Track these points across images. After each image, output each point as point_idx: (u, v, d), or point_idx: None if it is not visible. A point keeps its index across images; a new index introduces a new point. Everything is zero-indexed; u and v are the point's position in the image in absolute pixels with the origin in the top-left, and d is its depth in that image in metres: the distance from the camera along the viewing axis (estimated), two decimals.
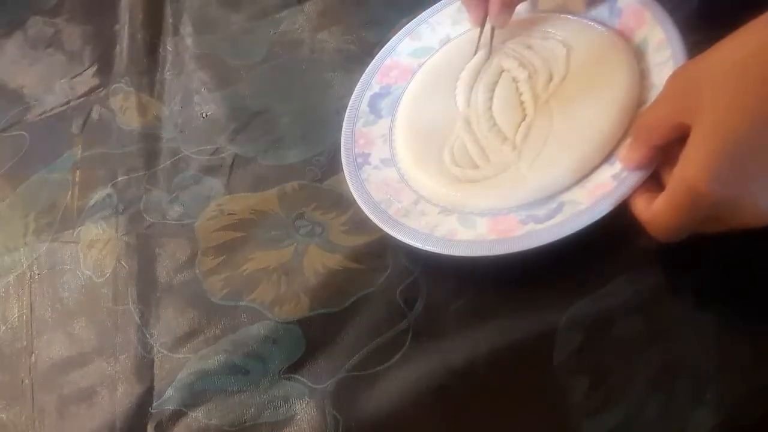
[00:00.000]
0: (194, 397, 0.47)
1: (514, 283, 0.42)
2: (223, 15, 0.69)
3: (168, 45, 0.69)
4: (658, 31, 0.46)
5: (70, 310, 0.55)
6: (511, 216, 0.44)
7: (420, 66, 0.55)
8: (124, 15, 0.72)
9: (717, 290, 0.39)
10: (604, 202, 0.40)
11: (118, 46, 0.70)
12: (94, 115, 0.67)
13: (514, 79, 0.50)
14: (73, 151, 0.64)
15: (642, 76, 0.46)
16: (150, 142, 0.62)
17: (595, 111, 0.45)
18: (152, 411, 0.48)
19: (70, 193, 0.62)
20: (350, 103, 0.55)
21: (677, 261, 0.37)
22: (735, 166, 0.33)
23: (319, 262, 0.50)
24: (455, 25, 0.56)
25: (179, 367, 0.49)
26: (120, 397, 0.49)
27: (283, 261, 0.51)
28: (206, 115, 0.62)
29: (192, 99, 0.64)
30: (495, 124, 0.49)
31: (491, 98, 0.50)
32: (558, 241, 0.41)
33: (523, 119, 0.48)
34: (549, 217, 0.43)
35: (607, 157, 0.44)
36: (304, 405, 0.45)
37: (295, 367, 0.46)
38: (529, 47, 0.51)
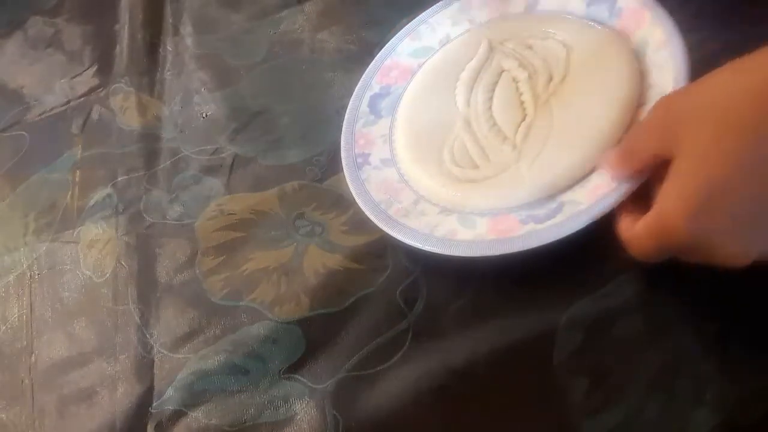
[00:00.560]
0: (194, 397, 0.47)
1: (514, 283, 0.42)
2: (223, 15, 0.69)
3: (168, 45, 0.69)
4: (658, 31, 0.46)
5: (70, 310, 0.55)
6: (511, 216, 0.44)
7: (420, 66, 0.55)
8: (124, 15, 0.72)
9: (717, 290, 0.39)
10: (604, 202, 0.40)
11: (118, 46, 0.70)
12: (94, 115, 0.67)
13: (514, 79, 0.50)
14: (73, 151, 0.64)
15: (642, 76, 0.46)
16: (150, 142, 0.62)
17: (596, 111, 0.45)
18: (152, 411, 0.48)
19: (70, 193, 0.62)
20: (350, 103, 0.55)
21: (677, 261, 0.37)
22: (709, 209, 0.33)
23: (319, 262, 0.50)
24: (455, 25, 0.56)
25: (179, 367, 0.49)
26: (120, 397, 0.49)
27: (283, 261, 0.51)
28: (206, 115, 0.62)
29: (192, 99, 0.64)
30: (495, 124, 0.49)
31: (491, 98, 0.50)
32: (558, 241, 0.41)
33: (523, 119, 0.48)
34: (549, 217, 0.43)
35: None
36: (304, 405, 0.45)
37: (295, 367, 0.46)
38: (529, 47, 0.51)
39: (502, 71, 0.51)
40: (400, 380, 0.43)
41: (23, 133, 0.68)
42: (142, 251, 0.55)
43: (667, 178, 0.35)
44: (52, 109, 0.69)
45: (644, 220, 0.36)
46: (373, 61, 0.56)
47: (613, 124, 0.44)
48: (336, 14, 0.64)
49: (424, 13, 0.57)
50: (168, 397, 0.48)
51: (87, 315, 0.54)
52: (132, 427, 0.48)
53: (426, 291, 0.46)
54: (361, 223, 0.49)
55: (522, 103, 0.48)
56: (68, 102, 0.69)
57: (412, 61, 0.56)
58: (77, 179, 0.62)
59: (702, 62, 0.43)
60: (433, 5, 0.57)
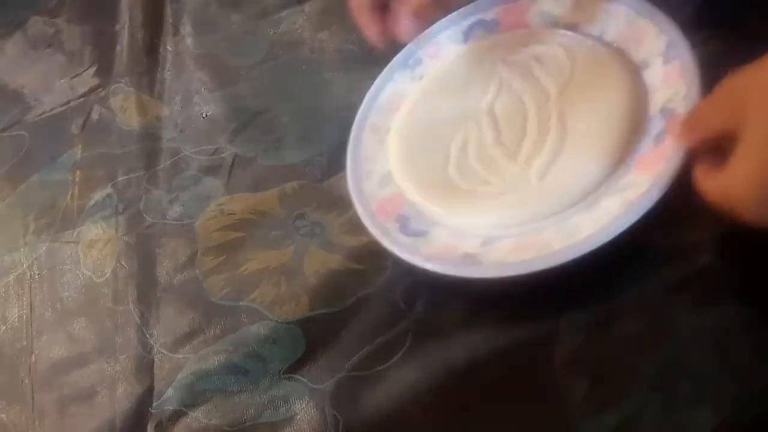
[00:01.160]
0: (194, 397, 0.47)
1: (514, 283, 0.42)
2: (223, 15, 0.69)
3: (168, 45, 0.69)
4: (661, 35, 0.46)
5: (70, 310, 0.55)
6: (518, 235, 0.44)
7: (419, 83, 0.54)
8: (124, 15, 0.72)
9: (717, 290, 0.39)
10: (609, 230, 0.40)
11: (118, 46, 0.70)
12: (94, 115, 0.67)
13: (519, 94, 0.50)
14: (73, 151, 0.65)
15: (645, 81, 0.46)
16: (150, 142, 0.62)
17: (602, 122, 0.45)
18: (152, 411, 0.48)
19: (70, 193, 0.62)
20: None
21: (677, 261, 0.37)
22: None
23: (319, 262, 0.50)
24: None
25: (179, 367, 0.49)
26: (120, 397, 0.49)
27: (283, 261, 0.51)
28: (206, 115, 0.62)
29: (192, 99, 0.64)
30: (501, 141, 0.48)
31: (496, 113, 0.50)
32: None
33: (529, 134, 0.47)
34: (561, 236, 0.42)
35: (615, 170, 0.43)
36: (304, 405, 0.45)
37: (295, 367, 0.46)
38: (534, 60, 0.50)
39: (506, 85, 0.50)
40: (400, 380, 0.43)
41: (23, 133, 0.68)
42: (142, 251, 0.55)
43: (734, 154, 0.35)
44: (52, 109, 0.69)
45: (715, 180, 0.37)
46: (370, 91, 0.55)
47: (620, 136, 0.44)
48: (336, 14, 0.64)
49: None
50: (168, 397, 0.48)
51: (87, 315, 0.54)
52: (132, 427, 0.48)
53: (426, 291, 0.46)
54: (361, 223, 0.49)
55: (527, 117, 0.48)
56: (68, 102, 0.69)
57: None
58: (77, 179, 0.62)
59: (702, 62, 0.43)
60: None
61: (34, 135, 0.68)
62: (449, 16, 0.55)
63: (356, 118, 0.53)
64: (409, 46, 0.55)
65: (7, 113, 0.70)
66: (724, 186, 0.36)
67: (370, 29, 0.49)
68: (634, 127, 0.44)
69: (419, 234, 0.46)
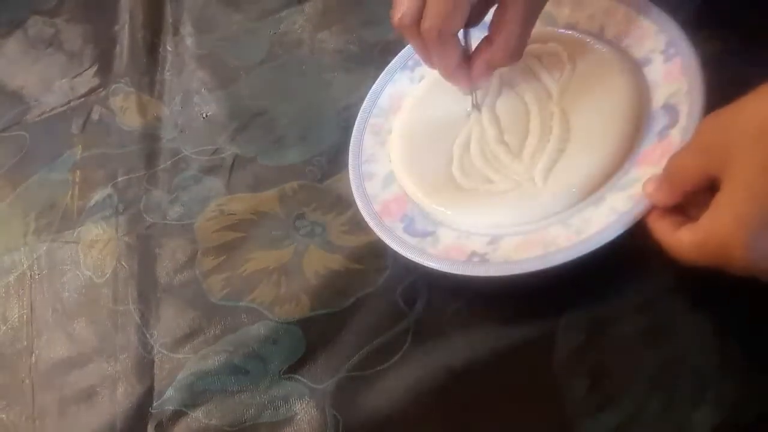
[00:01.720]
0: (194, 397, 0.47)
1: (514, 283, 0.42)
2: (223, 15, 0.69)
3: (168, 45, 0.69)
4: (661, 33, 0.46)
5: (70, 310, 0.55)
6: (520, 233, 0.44)
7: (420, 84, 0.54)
8: (124, 15, 0.72)
9: (717, 290, 0.39)
10: (616, 226, 0.40)
11: (118, 46, 0.70)
12: (94, 115, 0.67)
13: (520, 93, 0.50)
14: (73, 151, 0.64)
15: (646, 78, 0.46)
16: (150, 142, 0.62)
17: (605, 119, 0.45)
18: (152, 411, 0.48)
19: (70, 193, 0.62)
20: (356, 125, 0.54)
21: (677, 261, 0.37)
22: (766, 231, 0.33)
23: (319, 262, 0.50)
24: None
25: (179, 367, 0.49)
26: (120, 398, 0.49)
27: (283, 261, 0.51)
28: (206, 115, 0.62)
29: (192, 99, 0.64)
30: (503, 140, 0.48)
31: (497, 112, 0.50)
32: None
33: (532, 132, 0.47)
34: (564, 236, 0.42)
35: (620, 166, 0.43)
36: (304, 405, 0.45)
37: (295, 367, 0.46)
38: (534, 59, 0.50)
39: (508, 85, 0.50)
40: (400, 380, 0.43)
41: (23, 133, 0.68)
42: (143, 251, 0.55)
43: (717, 201, 0.35)
44: (52, 110, 0.69)
45: (693, 231, 0.36)
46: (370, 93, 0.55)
47: (623, 133, 0.44)
48: (336, 14, 0.64)
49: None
50: (168, 398, 0.48)
51: (87, 315, 0.54)
52: (132, 427, 0.48)
53: (426, 291, 0.46)
54: (361, 223, 0.49)
55: (529, 117, 0.48)
56: (68, 102, 0.69)
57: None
58: (77, 179, 0.62)
59: (702, 61, 0.43)
60: None
61: (34, 135, 0.68)
62: None
63: (356, 120, 0.53)
64: (408, 47, 0.55)
65: (7, 113, 0.70)
66: (707, 233, 0.35)
67: (463, 83, 0.48)
68: (637, 124, 0.44)
69: (425, 234, 0.46)
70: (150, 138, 0.63)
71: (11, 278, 0.59)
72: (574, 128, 0.46)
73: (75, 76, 0.70)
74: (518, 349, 0.42)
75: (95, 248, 0.57)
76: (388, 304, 0.46)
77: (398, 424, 0.42)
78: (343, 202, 0.52)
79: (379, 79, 0.55)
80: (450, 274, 0.43)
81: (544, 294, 0.42)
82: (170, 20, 0.70)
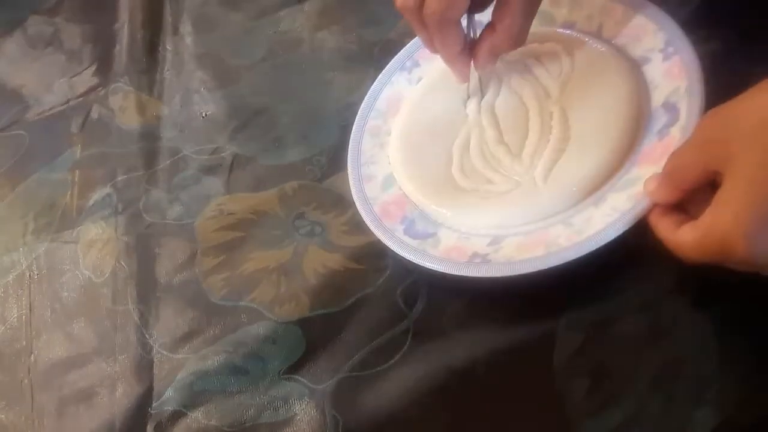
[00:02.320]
0: (194, 397, 0.47)
1: (514, 283, 0.42)
2: (223, 14, 0.69)
3: (168, 44, 0.69)
4: (659, 32, 0.46)
5: (69, 310, 0.55)
6: (519, 234, 0.44)
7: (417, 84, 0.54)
8: (123, 14, 0.72)
9: (717, 290, 0.39)
10: (618, 225, 0.40)
11: (117, 46, 0.70)
12: (94, 115, 0.66)
13: (519, 93, 0.49)
14: (73, 151, 0.64)
15: (645, 76, 0.46)
16: (149, 141, 0.62)
17: (604, 118, 0.45)
18: (152, 411, 0.48)
19: (69, 192, 0.62)
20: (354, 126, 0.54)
21: (678, 261, 0.37)
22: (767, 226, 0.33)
23: (319, 262, 0.50)
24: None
25: (179, 368, 0.49)
26: (119, 398, 0.49)
27: (283, 261, 0.51)
28: (206, 115, 0.62)
29: (192, 98, 0.64)
30: (503, 140, 0.48)
31: (496, 112, 0.49)
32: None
33: (531, 132, 0.47)
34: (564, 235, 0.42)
35: (620, 165, 0.43)
36: (304, 405, 0.45)
37: (295, 368, 0.46)
38: (532, 59, 0.50)
39: (507, 85, 0.50)
40: (400, 380, 0.43)
41: (22, 132, 0.68)
42: (142, 251, 0.55)
43: (719, 196, 0.35)
44: (51, 109, 0.69)
45: (694, 229, 0.36)
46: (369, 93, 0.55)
47: (623, 132, 0.44)
48: (336, 13, 0.64)
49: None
50: (167, 398, 0.48)
51: (86, 315, 0.54)
52: (131, 427, 0.48)
53: (426, 291, 0.46)
54: (361, 223, 0.49)
55: (529, 116, 0.48)
56: (68, 101, 0.69)
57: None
58: (77, 179, 0.62)
59: (702, 61, 0.43)
60: None
61: (34, 134, 0.68)
62: None
63: (355, 122, 0.53)
64: (405, 49, 0.55)
65: (7, 113, 0.70)
66: (708, 230, 0.35)
67: (461, 70, 0.49)
68: (637, 122, 0.44)
69: (426, 236, 0.46)
70: (149, 137, 0.62)
71: (10, 278, 0.58)
72: (573, 128, 0.46)
73: (74, 76, 0.70)
74: (518, 349, 0.42)
75: (94, 248, 0.57)
76: (388, 304, 0.46)
77: (398, 424, 0.42)
78: (344, 202, 0.52)
79: (376, 81, 0.55)
80: (450, 274, 0.43)
81: (544, 294, 0.42)
82: (170, 19, 0.70)
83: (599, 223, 0.41)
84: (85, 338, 0.53)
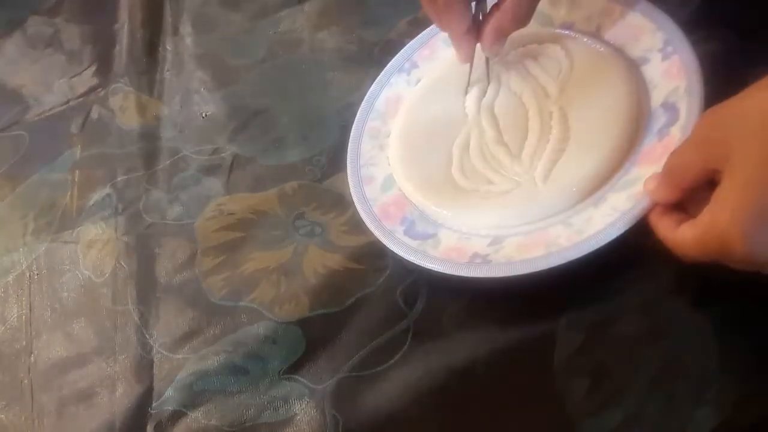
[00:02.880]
0: (194, 397, 0.47)
1: (514, 283, 0.42)
2: (222, 15, 0.69)
3: (168, 45, 0.69)
4: (658, 32, 0.46)
5: (69, 310, 0.55)
6: (519, 235, 0.44)
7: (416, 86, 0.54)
8: (123, 14, 0.72)
9: (717, 290, 0.39)
10: (618, 225, 0.40)
11: (117, 46, 0.70)
12: (94, 115, 0.66)
13: (518, 93, 0.49)
14: (73, 151, 0.64)
15: (644, 76, 0.46)
16: (149, 141, 0.62)
17: (604, 118, 0.45)
18: (152, 411, 0.48)
19: (69, 193, 0.62)
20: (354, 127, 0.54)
21: (677, 261, 0.37)
22: (766, 223, 0.33)
23: (319, 262, 0.50)
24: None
25: (179, 368, 0.49)
26: (119, 398, 0.49)
27: (283, 261, 0.51)
28: (206, 115, 0.62)
29: (192, 99, 0.64)
30: (503, 140, 0.48)
31: (496, 113, 0.49)
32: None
33: (531, 132, 0.47)
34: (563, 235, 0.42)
35: (620, 165, 0.43)
36: (303, 405, 0.45)
37: (295, 368, 0.46)
38: (531, 59, 0.50)
39: (506, 85, 0.50)
40: (400, 380, 0.43)
41: (22, 132, 0.68)
42: (142, 251, 0.55)
43: (718, 194, 0.35)
44: (51, 109, 0.69)
45: (693, 227, 0.36)
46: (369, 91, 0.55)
47: (623, 131, 0.44)
48: (336, 14, 0.64)
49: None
50: (167, 398, 0.48)
51: (86, 315, 0.54)
52: (131, 427, 0.48)
53: (426, 291, 0.46)
54: (361, 223, 0.49)
55: (528, 117, 0.48)
56: (67, 102, 0.69)
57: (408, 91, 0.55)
58: (76, 179, 0.62)
59: (701, 61, 0.43)
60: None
61: (34, 135, 0.68)
62: None
63: (354, 123, 0.53)
64: (404, 50, 0.55)
65: (7, 113, 0.70)
66: (707, 228, 0.35)
67: (464, 48, 0.49)
68: (637, 122, 0.44)
69: (426, 237, 0.46)
70: (149, 138, 0.62)
71: (10, 278, 0.58)
72: (573, 128, 0.46)
73: (74, 76, 0.70)
74: (518, 349, 0.42)
75: (94, 248, 0.57)
76: (388, 304, 0.46)
77: (398, 424, 0.42)
78: (343, 202, 0.52)
79: (375, 82, 0.55)
80: (450, 274, 0.43)
81: (544, 294, 0.42)
82: (170, 20, 0.70)
83: (599, 223, 0.41)
84: (85, 338, 0.53)
